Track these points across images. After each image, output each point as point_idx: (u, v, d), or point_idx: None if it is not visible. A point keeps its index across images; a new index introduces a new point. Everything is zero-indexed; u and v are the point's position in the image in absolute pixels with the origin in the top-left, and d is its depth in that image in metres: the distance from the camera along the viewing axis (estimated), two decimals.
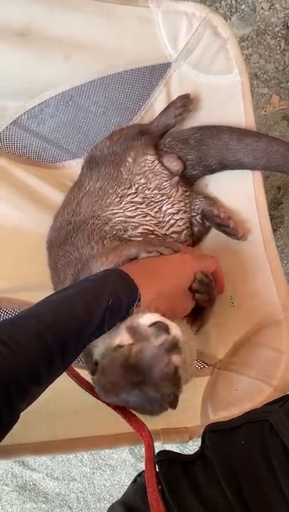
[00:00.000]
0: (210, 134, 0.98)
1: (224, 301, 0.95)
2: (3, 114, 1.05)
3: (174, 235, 0.97)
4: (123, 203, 0.96)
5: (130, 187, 0.97)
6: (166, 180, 0.98)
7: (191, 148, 1.00)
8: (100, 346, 0.75)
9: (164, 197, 0.98)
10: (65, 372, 0.70)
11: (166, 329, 0.70)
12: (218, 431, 0.69)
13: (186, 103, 1.00)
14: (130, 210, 0.95)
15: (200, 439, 0.73)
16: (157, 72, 1.02)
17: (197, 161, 1.00)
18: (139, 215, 0.95)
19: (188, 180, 1.03)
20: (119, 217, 0.95)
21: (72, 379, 0.78)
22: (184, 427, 0.84)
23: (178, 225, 0.98)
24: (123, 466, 1.65)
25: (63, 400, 0.76)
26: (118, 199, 0.96)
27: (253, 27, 1.47)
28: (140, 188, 0.97)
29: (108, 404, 0.73)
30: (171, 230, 0.97)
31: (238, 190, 0.98)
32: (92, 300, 0.69)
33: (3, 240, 1.03)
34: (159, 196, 0.97)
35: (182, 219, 0.98)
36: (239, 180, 0.98)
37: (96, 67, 1.01)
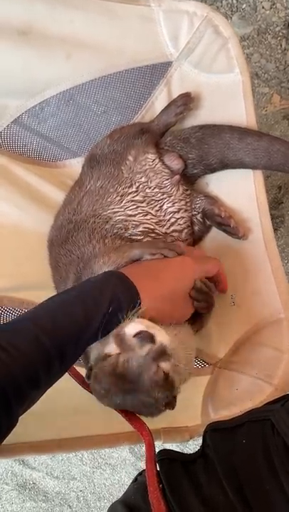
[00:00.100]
0: (211, 132, 0.98)
1: (225, 300, 0.95)
2: (4, 112, 1.05)
3: (175, 234, 0.97)
4: (124, 201, 0.95)
5: (131, 185, 0.97)
6: (167, 179, 0.98)
7: (192, 147, 1.00)
8: (94, 351, 0.75)
9: (164, 195, 0.97)
10: None
11: (151, 338, 0.70)
12: (219, 430, 0.68)
13: (186, 101, 1.00)
14: (131, 209, 0.95)
15: (200, 438, 0.73)
16: (158, 71, 1.02)
17: (198, 159, 1.00)
18: (139, 213, 0.95)
19: (189, 179, 1.02)
20: (119, 215, 0.94)
21: (72, 378, 0.78)
22: (184, 426, 0.84)
23: (178, 224, 0.98)
24: (123, 465, 1.65)
25: (63, 399, 0.76)
26: (119, 198, 0.96)
27: (253, 26, 1.47)
28: (141, 186, 0.97)
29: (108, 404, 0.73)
30: (171, 228, 0.97)
31: (239, 190, 0.98)
32: (92, 304, 0.68)
33: (3, 239, 1.03)
34: (159, 195, 0.97)
35: (183, 218, 0.98)
36: (240, 179, 0.98)
37: (97, 66, 1.01)
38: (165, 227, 0.96)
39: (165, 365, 0.71)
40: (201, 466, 0.65)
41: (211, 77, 0.99)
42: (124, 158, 0.98)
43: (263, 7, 1.45)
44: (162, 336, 0.72)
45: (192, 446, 1.50)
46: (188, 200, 0.99)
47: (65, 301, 0.69)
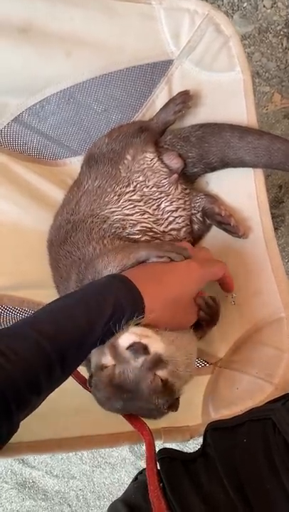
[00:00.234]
0: (211, 131, 0.98)
1: (225, 300, 0.95)
2: (5, 111, 1.04)
3: (173, 232, 0.97)
4: (121, 201, 0.95)
5: (128, 185, 0.96)
6: (165, 178, 0.98)
7: (192, 146, 0.99)
8: (93, 359, 0.75)
9: (162, 194, 0.97)
10: None
11: (144, 349, 0.69)
12: (220, 429, 0.68)
13: (185, 99, 0.99)
14: (128, 208, 0.95)
15: (200, 438, 0.73)
16: (159, 69, 1.02)
17: (198, 158, 1.00)
18: (137, 212, 0.95)
19: (188, 177, 1.02)
20: (117, 215, 0.94)
21: (73, 378, 0.77)
22: (185, 425, 0.84)
23: (177, 223, 0.97)
24: (123, 464, 1.65)
25: (64, 398, 0.76)
26: (116, 197, 0.95)
27: (254, 25, 1.46)
28: (138, 185, 0.96)
29: None
30: (169, 227, 0.97)
31: (239, 188, 0.98)
32: (95, 308, 0.67)
33: (2, 237, 1.03)
34: (157, 194, 0.97)
35: (181, 216, 0.98)
36: (240, 178, 0.97)
37: (98, 64, 1.01)
38: (163, 225, 0.96)
39: (162, 373, 0.71)
40: (201, 465, 0.65)
41: (212, 76, 0.99)
42: (122, 158, 0.98)
43: (264, 6, 1.44)
44: (157, 345, 0.71)
45: (192, 445, 1.50)
46: (186, 198, 0.99)
47: (68, 305, 0.68)
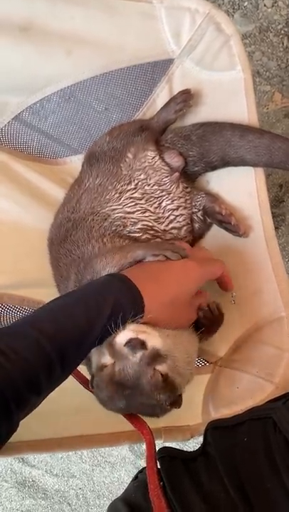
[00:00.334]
0: (212, 130, 0.98)
1: (225, 299, 0.95)
2: (5, 109, 1.04)
3: (174, 231, 0.97)
4: (122, 198, 0.95)
5: (130, 183, 0.96)
6: (167, 176, 0.98)
7: (193, 145, 0.99)
8: (93, 359, 0.75)
9: (163, 193, 0.97)
10: None
11: (141, 345, 0.69)
12: (221, 428, 0.68)
13: (186, 98, 0.99)
14: (129, 206, 0.95)
15: (200, 437, 0.73)
16: (160, 68, 1.02)
17: (199, 157, 1.00)
18: (138, 210, 0.95)
19: (189, 176, 1.02)
20: (118, 213, 0.94)
21: (73, 377, 0.77)
22: (185, 424, 0.84)
23: (177, 221, 0.97)
24: (123, 463, 1.65)
25: (64, 398, 0.76)
26: (117, 195, 0.95)
27: (255, 24, 1.46)
28: (140, 183, 0.96)
29: None
30: (170, 225, 0.96)
31: (239, 187, 0.98)
32: (94, 308, 0.67)
33: (3, 236, 1.03)
34: (158, 192, 0.97)
35: (182, 215, 0.98)
36: (241, 177, 0.97)
37: (98, 63, 1.01)
38: (164, 224, 0.96)
39: (162, 367, 0.71)
40: (201, 464, 0.65)
41: (212, 75, 0.98)
42: (123, 156, 0.98)
43: (264, 5, 1.44)
44: (154, 340, 0.71)
45: (192, 444, 1.50)
46: (187, 197, 0.99)
47: (67, 304, 0.68)
